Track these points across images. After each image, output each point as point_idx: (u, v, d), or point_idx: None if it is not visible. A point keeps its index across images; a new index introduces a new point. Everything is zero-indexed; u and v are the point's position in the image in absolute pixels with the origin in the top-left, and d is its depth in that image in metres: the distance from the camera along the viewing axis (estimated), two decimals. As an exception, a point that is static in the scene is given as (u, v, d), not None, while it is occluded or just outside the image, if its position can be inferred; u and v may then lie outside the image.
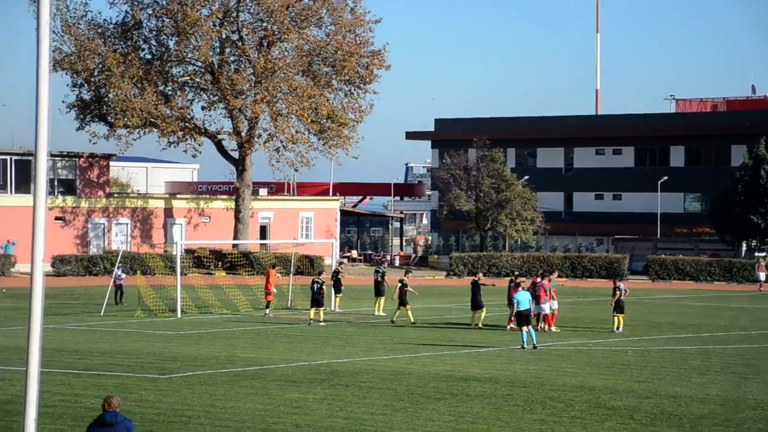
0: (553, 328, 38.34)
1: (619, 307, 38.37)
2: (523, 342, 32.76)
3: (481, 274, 42.95)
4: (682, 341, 35.98)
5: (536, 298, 37.36)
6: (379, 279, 44.48)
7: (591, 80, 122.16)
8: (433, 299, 53.67)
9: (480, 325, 39.28)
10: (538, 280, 38.97)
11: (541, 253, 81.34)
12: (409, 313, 40.58)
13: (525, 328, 33.01)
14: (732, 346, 34.67)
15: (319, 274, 42.18)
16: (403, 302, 40.62)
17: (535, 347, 32.56)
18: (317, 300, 39.88)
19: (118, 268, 48.53)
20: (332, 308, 44.45)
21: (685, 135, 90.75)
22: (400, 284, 41.00)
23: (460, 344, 34.01)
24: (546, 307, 38.52)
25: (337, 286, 45.26)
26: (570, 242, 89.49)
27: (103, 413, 12.79)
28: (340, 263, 51.73)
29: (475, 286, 39.70)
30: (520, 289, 34.98)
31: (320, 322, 39.76)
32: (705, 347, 34.25)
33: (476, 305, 39.50)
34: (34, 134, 3.93)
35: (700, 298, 58.95)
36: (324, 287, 40.55)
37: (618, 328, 38.01)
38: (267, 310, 43.26)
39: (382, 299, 44.05)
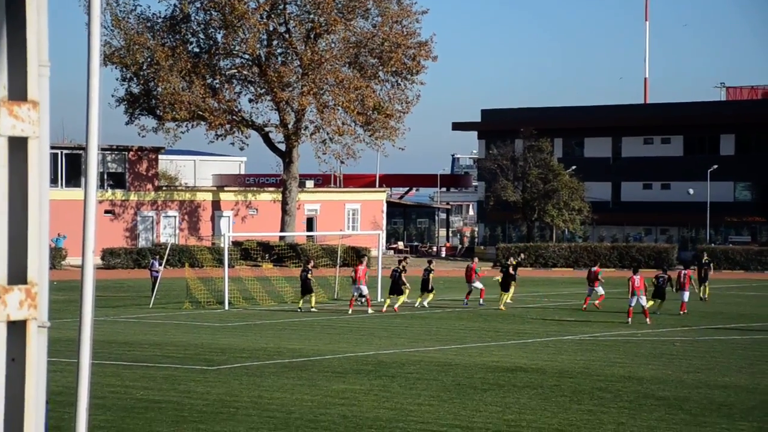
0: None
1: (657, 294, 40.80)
2: None
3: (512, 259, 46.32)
4: (732, 331, 35.67)
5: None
6: (426, 277, 43.94)
7: (639, 68, 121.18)
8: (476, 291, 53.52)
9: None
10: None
11: (588, 243, 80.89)
12: (401, 300, 42.17)
13: None
14: (783, 336, 34.31)
15: (399, 262, 43.01)
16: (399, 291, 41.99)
17: None
18: (397, 288, 41.56)
19: (155, 259, 49.38)
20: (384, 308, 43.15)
21: (736, 123, 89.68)
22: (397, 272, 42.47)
23: (507, 335, 33.98)
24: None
25: (395, 286, 42.11)
26: (618, 232, 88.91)
27: None
28: (405, 258, 46.45)
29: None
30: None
31: (416, 303, 42.76)
32: (755, 337, 33.94)
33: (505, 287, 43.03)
34: (85, 128, 3.98)
35: (750, 287, 58.37)
36: (403, 276, 41.84)
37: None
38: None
39: (430, 295, 43.85)
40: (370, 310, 41.22)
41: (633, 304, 38.22)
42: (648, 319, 37.55)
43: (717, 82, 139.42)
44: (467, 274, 44.90)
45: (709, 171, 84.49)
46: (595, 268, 44.34)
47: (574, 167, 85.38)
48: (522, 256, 50.56)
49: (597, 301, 42.47)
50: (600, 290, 42.97)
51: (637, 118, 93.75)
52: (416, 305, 43.11)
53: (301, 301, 42.44)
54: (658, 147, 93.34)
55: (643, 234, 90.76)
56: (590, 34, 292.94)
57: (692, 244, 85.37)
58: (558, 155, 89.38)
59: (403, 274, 42.05)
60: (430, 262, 46.04)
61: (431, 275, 43.84)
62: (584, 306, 42.85)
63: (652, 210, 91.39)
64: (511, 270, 43.75)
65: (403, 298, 42.29)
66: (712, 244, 79.84)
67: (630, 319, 37.59)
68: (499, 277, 44.27)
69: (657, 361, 27.87)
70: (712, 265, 48.97)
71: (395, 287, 41.96)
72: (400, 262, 43.95)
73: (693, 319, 39.46)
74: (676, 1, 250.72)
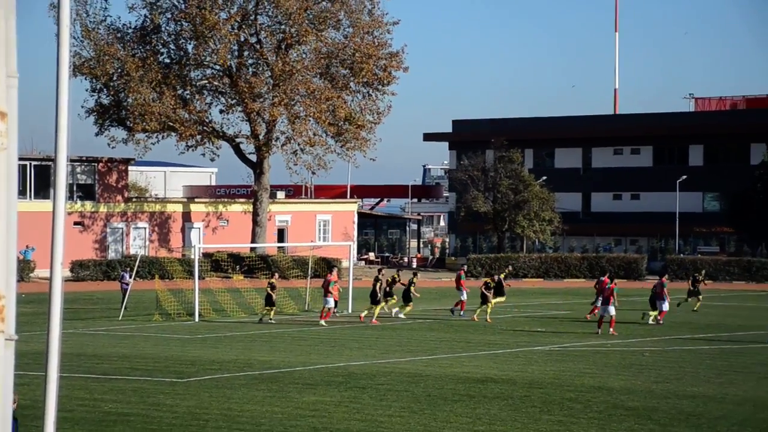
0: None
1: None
2: None
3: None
4: (700, 342, 35.88)
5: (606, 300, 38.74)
6: (408, 287, 44.15)
7: (609, 79, 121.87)
8: (448, 301, 53.59)
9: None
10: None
11: (558, 253, 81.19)
12: (377, 310, 42.18)
13: None
14: (750, 346, 34.56)
15: (379, 271, 43.96)
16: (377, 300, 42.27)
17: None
18: (376, 298, 42.07)
19: (124, 271, 49.12)
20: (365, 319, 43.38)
21: (704, 134, 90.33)
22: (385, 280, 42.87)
23: (477, 345, 34.02)
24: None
25: (374, 296, 42.65)
26: (588, 243, 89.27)
27: None
28: (394, 274, 46.48)
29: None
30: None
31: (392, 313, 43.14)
32: (723, 347, 34.15)
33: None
34: (54, 139, 3.98)
35: (718, 297, 58.70)
36: (383, 284, 42.44)
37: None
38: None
39: (408, 307, 43.97)
40: (322, 322, 40.85)
41: (603, 314, 38.28)
42: (612, 329, 37.63)
43: (686, 93, 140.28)
44: (457, 282, 45.16)
45: (678, 181, 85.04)
46: (603, 278, 43.17)
47: (544, 178, 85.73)
48: (509, 268, 50.87)
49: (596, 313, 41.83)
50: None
51: (607, 129, 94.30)
52: (392, 313, 43.32)
53: (272, 313, 42.34)
54: (627, 158, 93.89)
55: (613, 244, 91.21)
56: (560, 45, 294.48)
57: (661, 254, 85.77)
58: (529, 166, 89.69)
59: (378, 285, 42.12)
60: (415, 274, 46.49)
61: (413, 287, 44.01)
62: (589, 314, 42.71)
63: (622, 220, 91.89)
64: (483, 288, 43.25)
65: (378, 309, 42.24)
66: (681, 255, 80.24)
67: (600, 330, 37.71)
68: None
69: (626, 372, 27.99)
70: (702, 281, 50.90)
71: (374, 297, 42.20)
72: (380, 270, 44.31)
73: (662, 329, 39.65)
74: (645, 13, 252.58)
